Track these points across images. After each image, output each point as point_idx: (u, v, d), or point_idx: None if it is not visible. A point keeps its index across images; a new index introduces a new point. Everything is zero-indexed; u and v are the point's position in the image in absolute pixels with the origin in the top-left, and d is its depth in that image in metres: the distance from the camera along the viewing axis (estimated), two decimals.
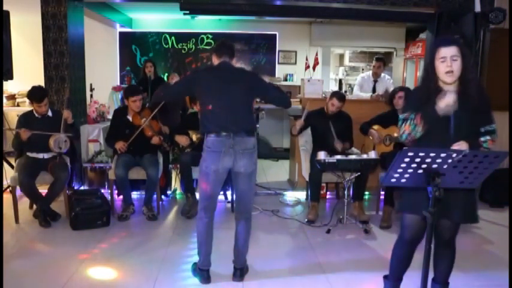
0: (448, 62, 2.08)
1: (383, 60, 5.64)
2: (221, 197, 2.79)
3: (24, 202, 4.11)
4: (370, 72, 5.71)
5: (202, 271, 2.79)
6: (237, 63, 2.91)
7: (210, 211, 2.75)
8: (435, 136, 2.15)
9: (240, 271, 2.82)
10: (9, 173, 4.16)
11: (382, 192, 4.24)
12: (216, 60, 2.80)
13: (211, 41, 8.10)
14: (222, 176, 2.69)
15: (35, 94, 3.80)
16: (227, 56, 2.78)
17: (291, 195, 4.87)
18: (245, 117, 2.68)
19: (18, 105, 6.79)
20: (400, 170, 1.82)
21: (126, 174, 3.95)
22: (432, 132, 2.15)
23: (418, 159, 1.76)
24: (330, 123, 4.07)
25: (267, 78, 3.08)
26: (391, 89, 5.44)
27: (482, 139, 2.18)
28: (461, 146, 2.05)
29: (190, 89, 2.82)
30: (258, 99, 6.62)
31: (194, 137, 4.19)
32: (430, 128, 2.14)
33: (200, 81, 2.73)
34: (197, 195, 3.96)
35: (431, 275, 2.27)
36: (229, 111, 2.63)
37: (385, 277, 2.51)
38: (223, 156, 2.61)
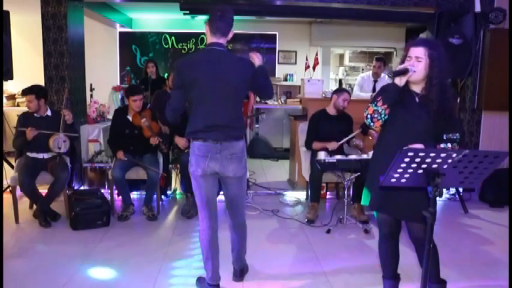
0: (412, 61, 2.15)
1: (383, 60, 5.64)
2: (221, 197, 2.76)
3: (24, 202, 4.11)
4: (370, 72, 5.71)
5: (213, 286, 2.62)
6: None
7: (212, 220, 2.55)
8: (394, 133, 2.23)
9: (240, 271, 2.82)
10: (9, 173, 4.16)
11: None
12: (208, 36, 2.43)
13: None
14: (211, 179, 2.50)
15: (25, 88, 3.83)
16: (222, 34, 2.41)
17: (291, 195, 4.87)
18: (234, 121, 2.46)
19: (18, 105, 6.79)
20: (400, 170, 1.82)
21: (123, 175, 3.96)
22: (393, 130, 2.23)
23: (418, 159, 1.76)
24: (336, 122, 4.15)
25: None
26: None
27: (442, 145, 2.18)
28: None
29: (186, 85, 2.43)
30: (258, 100, 6.70)
31: None
32: (392, 122, 2.21)
33: (183, 72, 2.41)
34: None
35: None
36: (215, 115, 2.40)
37: (383, 277, 2.52)
38: (209, 161, 2.44)
